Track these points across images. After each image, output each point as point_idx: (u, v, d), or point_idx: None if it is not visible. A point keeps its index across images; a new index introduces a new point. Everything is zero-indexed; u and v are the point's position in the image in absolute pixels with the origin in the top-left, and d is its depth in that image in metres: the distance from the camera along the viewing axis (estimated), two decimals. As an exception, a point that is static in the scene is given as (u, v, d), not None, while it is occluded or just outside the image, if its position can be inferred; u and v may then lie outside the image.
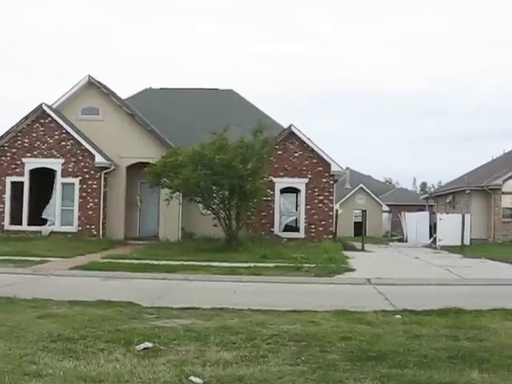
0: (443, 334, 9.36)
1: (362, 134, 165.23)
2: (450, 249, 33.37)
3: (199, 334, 8.91)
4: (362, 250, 32.15)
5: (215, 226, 28.43)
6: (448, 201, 46.43)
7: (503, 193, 40.43)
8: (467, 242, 35.30)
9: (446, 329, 9.76)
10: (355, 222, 55.86)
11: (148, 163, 29.14)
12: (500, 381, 6.81)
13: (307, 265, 20.86)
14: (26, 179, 31.72)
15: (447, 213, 42.76)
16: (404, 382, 6.63)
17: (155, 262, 20.83)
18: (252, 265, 20.67)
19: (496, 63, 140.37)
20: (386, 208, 61.48)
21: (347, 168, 60.44)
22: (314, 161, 33.19)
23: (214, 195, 28.24)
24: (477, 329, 9.77)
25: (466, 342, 8.83)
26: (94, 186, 31.55)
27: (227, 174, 26.67)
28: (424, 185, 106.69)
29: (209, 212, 28.66)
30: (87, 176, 31.57)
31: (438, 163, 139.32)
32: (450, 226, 36.21)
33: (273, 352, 7.92)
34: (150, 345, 8.14)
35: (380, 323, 10.20)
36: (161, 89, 42.53)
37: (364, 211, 41.88)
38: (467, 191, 41.64)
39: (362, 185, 61.65)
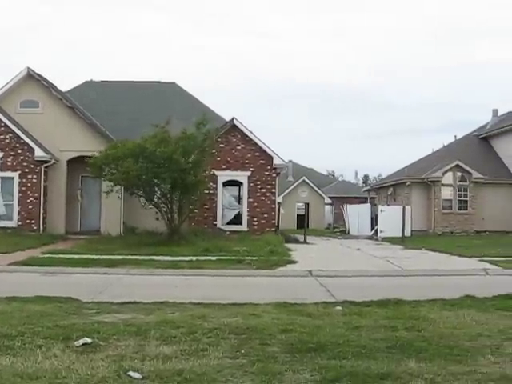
0: (382, 324, 9.46)
1: (306, 127, 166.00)
2: (392, 240, 33.78)
3: (139, 329, 8.84)
4: (305, 242, 32.31)
5: (157, 219, 28.25)
6: (389, 193, 46.97)
7: (443, 185, 41.12)
8: (408, 233, 35.79)
9: (386, 319, 9.86)
10: (298, 215, 56.17)
11: (89, 157, 28.76)
12: (437, 370, 6.90)
13: (249, 258, 20.88)
14: (-37, 173, 31.09)
15: (388, 205, 43.32)
16: (342, 372, 6.67)
17: (96, 257, 20.58)
18: (194, 258, 20.59)
19: (440, 59, 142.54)
20: (328, 200, 61.86)
21: (290, 161, 60.83)
22: (257, 154, 33.24)
23: (156, 188, 28.07)
24: (415, 319, 9.90)
25: (404, 332, 8.94)
26: (34, 180, 31.05)
27: (168, 167, 26.55)
28: (366, 177, 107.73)
29: (151, 206, 28.45)
30: (27, 170, 31.05)
31: (381, 156, 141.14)
32: (391, 217, 36.68)
33: (213, 345, 7.90)
34: (89, 340, 8.03)
35: (320, 315, 10.27)
36: (102, 81, 42.04)
37: (307, 204, 42.14)
38: (408, 183, 42.22)
39: (304, 177, 61.90)
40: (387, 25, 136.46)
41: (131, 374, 6.60)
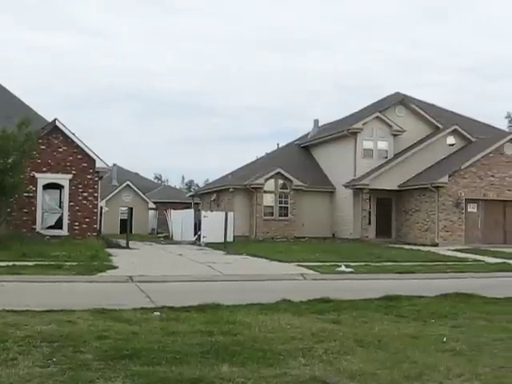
0: (199, 329, 9.54)
1: (135, 131, 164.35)
2: (214, 246, 34.10)
3: None
4: (127, 247, 32.01)
5: (-28, 222, 27.07)
6: (213, 199, 47.46)
7: (265, 191, 42.09)
8: (230, 238, 36.26)
9: (203, 324, 9.96)
10: (121, 219, 55.59)
11: None
12: (248, 373, 7.03)
13: (69, 263, 20.44)
14: None
15: (212, 210, 43.72)
16: (154, 379, 6.66)
17: None
18: (10, 264, 19.78)
19: (268, 66, 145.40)
20: (152, 205, 61.66)
21: (114, 165, 60.17)
22: (79, 157, 32.53)
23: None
24: (232, 323, 10.07)
25: (220, 336, 9.05)
26: None
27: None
28: (191, 182, 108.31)
29: (-35, 208, 27.20)
30: None
31: (210, 161, 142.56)
32: (214, 223, 37.07)
33: (23, 354, 7.66)
34: None
35: (138, 321, 10.21)
36: None
37: (130, 208, 41.78)
38: (231, 189, 42.86)
39: (128, 182, 61.36)
40: (219, 31, 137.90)
41: None
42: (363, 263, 23.66)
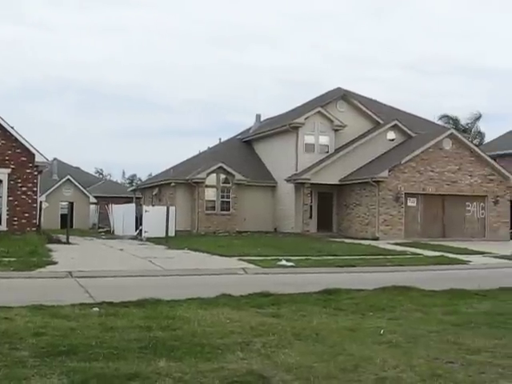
0: (138, 324, 9.52)
1: (76, 124, 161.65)
2: (156, 240, 33.93)
3: None
4: (67, 242, 31.57)
5: None
6: (154, 193, 47.24)
7: (207, 186, 42.10)
8: (172, 233, 36.10)
9: (142, 319, 9.93)
10: (62, 214, 54.94)
11: None
12: (186, 368, 7.04)
13: (7, 259, 20.13)
14: None
15: (153, 205, 43.49)
16: (90, 374, 6.62)
17: None
18: None
19: (212, 60, 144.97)
20: (93, 200, 61.10)
21: (55, 159, 59.43)
22: (18, 150, 32.00)
23: None
24: (171, 318, 10.06)
25: (159, 331, 9.04)
26: None
27: None
28: (133, 177, 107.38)
29: None
30: None
31: (153, 155, 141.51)
32: (156, 218, 36.86)
33: (-42, 352, 7.54)
34: None
35: (76, 317, 10.13)
36: None
37: (71, 203, 41.30)
38: (172, 184, 42.73)
39: (69, 176, 60.70)
40: (164, 24, 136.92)
41: None
42: (304, 257, 23.81)
